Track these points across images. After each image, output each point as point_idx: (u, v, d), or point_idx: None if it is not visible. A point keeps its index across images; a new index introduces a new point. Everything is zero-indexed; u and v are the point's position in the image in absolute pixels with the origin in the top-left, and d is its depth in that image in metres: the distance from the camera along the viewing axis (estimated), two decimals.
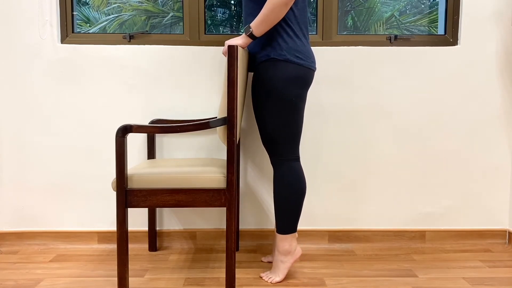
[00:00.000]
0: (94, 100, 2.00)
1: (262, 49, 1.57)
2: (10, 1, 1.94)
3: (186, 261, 1.86)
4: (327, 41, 2.02)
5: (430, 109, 2.03)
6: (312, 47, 1.94)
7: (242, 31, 1.74)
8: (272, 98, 1.55)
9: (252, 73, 1.66)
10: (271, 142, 1.60)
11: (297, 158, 1.63)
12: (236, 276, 1.69)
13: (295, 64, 1.53)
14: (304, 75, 1.56)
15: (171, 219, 2.06)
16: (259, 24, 1.48)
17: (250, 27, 1.50)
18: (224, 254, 1.94)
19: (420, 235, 2.07)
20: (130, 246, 2.03)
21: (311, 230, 2.06)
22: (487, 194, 2.07)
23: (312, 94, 2.01)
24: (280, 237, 1.63)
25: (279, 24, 1.53)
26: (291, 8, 1.53)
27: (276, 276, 1.63)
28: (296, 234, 1.64)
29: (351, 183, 2.06)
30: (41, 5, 1.95)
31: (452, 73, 2.02)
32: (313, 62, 1.60)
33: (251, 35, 1.51)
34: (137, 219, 2.05)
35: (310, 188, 2.05)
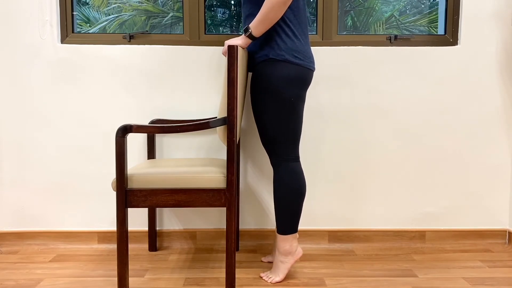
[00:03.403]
0: (94, 100, 2.00)
1: (260, 49, 1.57)
2: (10, 1, 1.94)
3: (186, 261, 1.86)
4: (327, 41, 2.02)
5: (430, 109, 2.03)
6: (312, 47, 1.94)
7: (241, 31, 1.74)
8: (270, 98, 1.55)
9: (251, 72, 1.66)
10: (270, 142, 1.60)
11: (296, 159, 1.63)
12: (236, 276, 1.69)
13: (293, 64, 1.53)
14: (302, 75, 1.56)
15: (171, 219, 2.06)
16: (258, 24, 1.48)
17: (249, 28, 1.50)
18: (224, 254, 1.94)
19: (420, 235, 2.07)
20: (130, 246, 2.03)
21: (311, 230, 2.06)
22: (487, 194, 2.07)
23: (312, 94, 2.01)
24: (280, 237, 1.62)
25: (277, 24, 1.53)
26: (290, 8, 1.53)
27: (276, 276, 1.63)
28: (296, 234, 1.64)
29: (351, 183, 2.06)
30: (41, 5, 1.95)
31: (452, 73, 2.02)
32: (312, 62, 1.60)
33: (250, 36, 1.51)
34: (137, 219, 2.05)
35: (310, 188, 2.05)
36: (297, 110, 1.58)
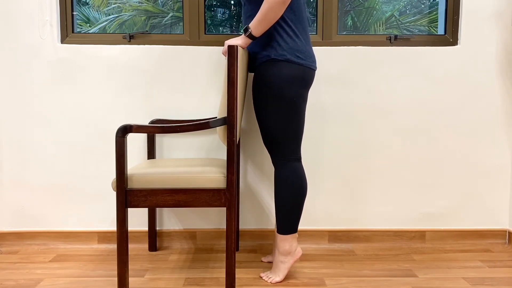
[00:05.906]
0: (94, 100, 2.00)
1: (262, 50, 1.57)
2: (10, 1, 1.94)
3: (186, 261, 1.86)
4: (327, 41, 2.02)
5: (430, 109, 2.03)
6: (312, 47, 1.94)
7: (241, 31, 1.74)
8: (273, 98, 1.55)
9: (252, 73, 1.66)
10: (272, 142, 1.60)
11: (298, 159, 1.63)
12: (236, 276, 1.69)
13: (295, 64, 1.53)
14: (304, 74, 1.56)
15: (171, 219, 2.06)
16: (258, 24, 1.48)
17: (249, 28, 1.50)
18: (224, 254, 1.94)
19: (420, 235, 2.07)
20: (130, 246, 2.03)
21: (311, 230, 2.06)
22: (487, 194, 2.07)
23: (312, 94, 2.01)
24: (280, 237, 1.62)
25: (278, 23, 1.53)
26: (290, 7, 1.53)
27: (276, 276, 1.63)
28: (296, 234, 1.64)
29: (351, 182, 2.06)
30: (41, 5, 1.95)
31: (452, 73, 2.02)
32: (314, 61, 1.60)
33: (250, 36, 1.51)
34: (137, 219, 2.05)
35: (310, 188, 2.05)
36: (299, 110, 1.58)
